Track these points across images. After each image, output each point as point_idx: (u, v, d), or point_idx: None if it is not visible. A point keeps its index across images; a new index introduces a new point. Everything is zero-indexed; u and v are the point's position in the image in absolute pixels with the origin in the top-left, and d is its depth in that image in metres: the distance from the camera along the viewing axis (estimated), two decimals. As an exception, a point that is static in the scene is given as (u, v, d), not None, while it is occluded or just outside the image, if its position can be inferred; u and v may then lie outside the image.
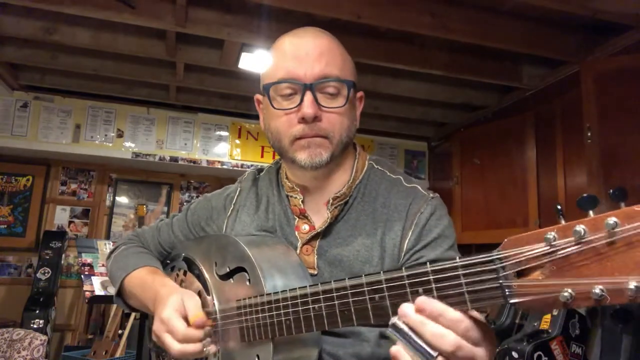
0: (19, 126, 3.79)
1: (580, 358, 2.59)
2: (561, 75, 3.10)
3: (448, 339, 0.56)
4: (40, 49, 3.26)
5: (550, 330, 2.58)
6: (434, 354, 0.57)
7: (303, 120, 0.87)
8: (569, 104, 2.99)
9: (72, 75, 3.64)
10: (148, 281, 0.97)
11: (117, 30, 2.96)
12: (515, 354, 2.46)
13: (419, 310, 0.58)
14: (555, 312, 2.60)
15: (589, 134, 2.56)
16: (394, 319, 0.60)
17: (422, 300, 0.58)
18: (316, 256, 0.91)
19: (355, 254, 0.89)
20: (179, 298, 0.86)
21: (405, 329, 0.59)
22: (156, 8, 2.59)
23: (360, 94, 0.98)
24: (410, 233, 0.88)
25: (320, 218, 0.94)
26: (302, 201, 0.96)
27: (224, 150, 4.20)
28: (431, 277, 0.59)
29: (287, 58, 0.89)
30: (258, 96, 1.00)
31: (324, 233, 0.92)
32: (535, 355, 2.44)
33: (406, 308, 0.59)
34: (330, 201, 0.93)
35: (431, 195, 0.93)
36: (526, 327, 2.74)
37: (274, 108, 0.90)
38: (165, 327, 0.83)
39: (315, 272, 0.90)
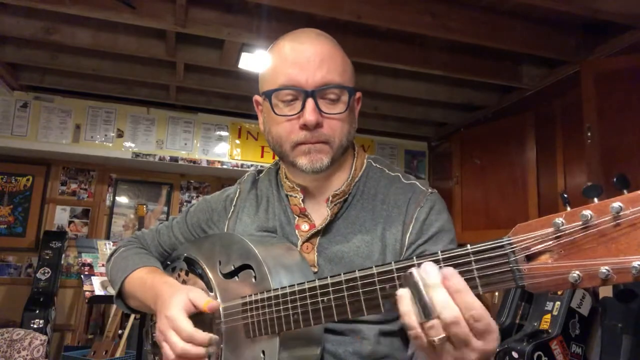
0: (19, 126, 3.79)
1: (580, 358, 2.59)
2: (561, 75, 3.10)
3: (451, 311, 0.57)
4: (40, 49, 3.26)
5: (550, 330, 2.58)
6: (433, 315, 0.58)
7: (305, 127, 0.87)
8: (569, 104, 2.99)
9: (72, 75, 3.64)
10: (148, 280, 0.97)
11: (117, 30, 2.96)
12: (515, 354, 2.46)
13: (444, 278, 0.58)
14: (555, 312, 2.60)
15: (589, 134, 2.56)
16: (413, 270, 0.61)
17: (452, 271, 0.59)
18: (316, 254, 0.92)
19: (355, 250, 0.90)
20: (184, 295, 0.85)
21: (420, 282, 0.59)
22: (156, 8, 2.59)
23: (358, 94, 0.98)
24: (411, 227, 0.90)
25: (320, 216, 0.95)
26: (302, 200, 0.96)
27: (224, 150, 4.20)
28: (442, 265, 0.61)
29: (288, 64, 0.89)
30: (257, 97, 0.99)
31: (324, 231, 0.93)
32: (535, 355, 2.44)
33: (430, 267, 0.60)
34: (330, 199, 0.93)
35: (429, 190, 0.94)
36: (526, 327, 2.74)
37: (276, 114, 0.90)
38: (171, 324, 0.83)
39: (316, 270, 0.90)
